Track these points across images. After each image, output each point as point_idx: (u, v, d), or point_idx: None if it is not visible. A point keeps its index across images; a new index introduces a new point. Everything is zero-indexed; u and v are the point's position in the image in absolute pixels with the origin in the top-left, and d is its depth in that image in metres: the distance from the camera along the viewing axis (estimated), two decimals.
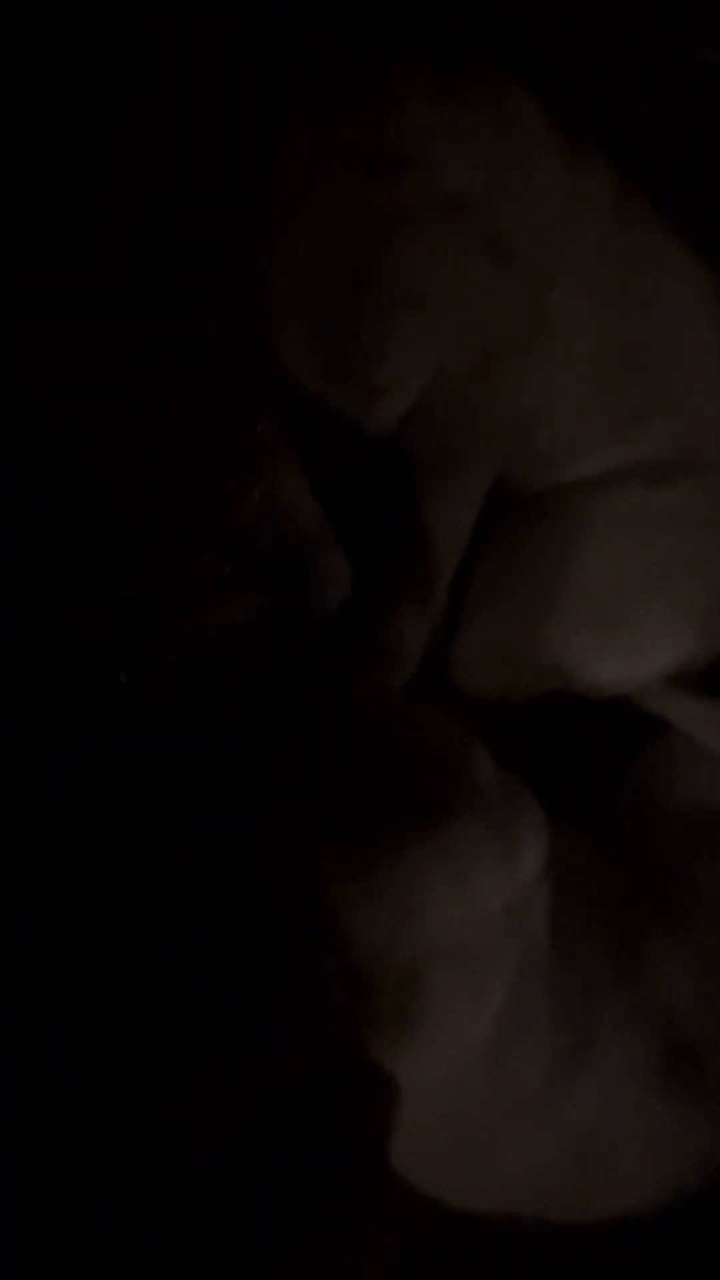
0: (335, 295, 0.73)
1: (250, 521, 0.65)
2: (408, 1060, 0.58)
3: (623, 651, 0.87)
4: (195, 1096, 0.51)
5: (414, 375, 0.76)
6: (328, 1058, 0.54)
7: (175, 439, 0.61)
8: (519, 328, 0.75)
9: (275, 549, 0.68)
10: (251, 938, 0.56)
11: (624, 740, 0.91)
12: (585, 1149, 0.67)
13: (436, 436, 0.84)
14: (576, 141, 0.74)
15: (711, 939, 0.74)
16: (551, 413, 0.82)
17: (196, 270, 0.64)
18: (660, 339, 0.79)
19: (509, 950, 0.65)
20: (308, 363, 0.75)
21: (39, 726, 0.54)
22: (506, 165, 0.72)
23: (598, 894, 0.75)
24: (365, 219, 0.69)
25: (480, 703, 0.89)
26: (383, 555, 0.86)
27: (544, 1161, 0.67)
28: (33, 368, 0.58)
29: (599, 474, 0.86)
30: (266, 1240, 0.51)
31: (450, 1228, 0.69)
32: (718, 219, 0.79)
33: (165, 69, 0.61)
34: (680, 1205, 0.71)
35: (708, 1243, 0.74)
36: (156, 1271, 0.50)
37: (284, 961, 0.56)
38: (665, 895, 0.77)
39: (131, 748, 0.56)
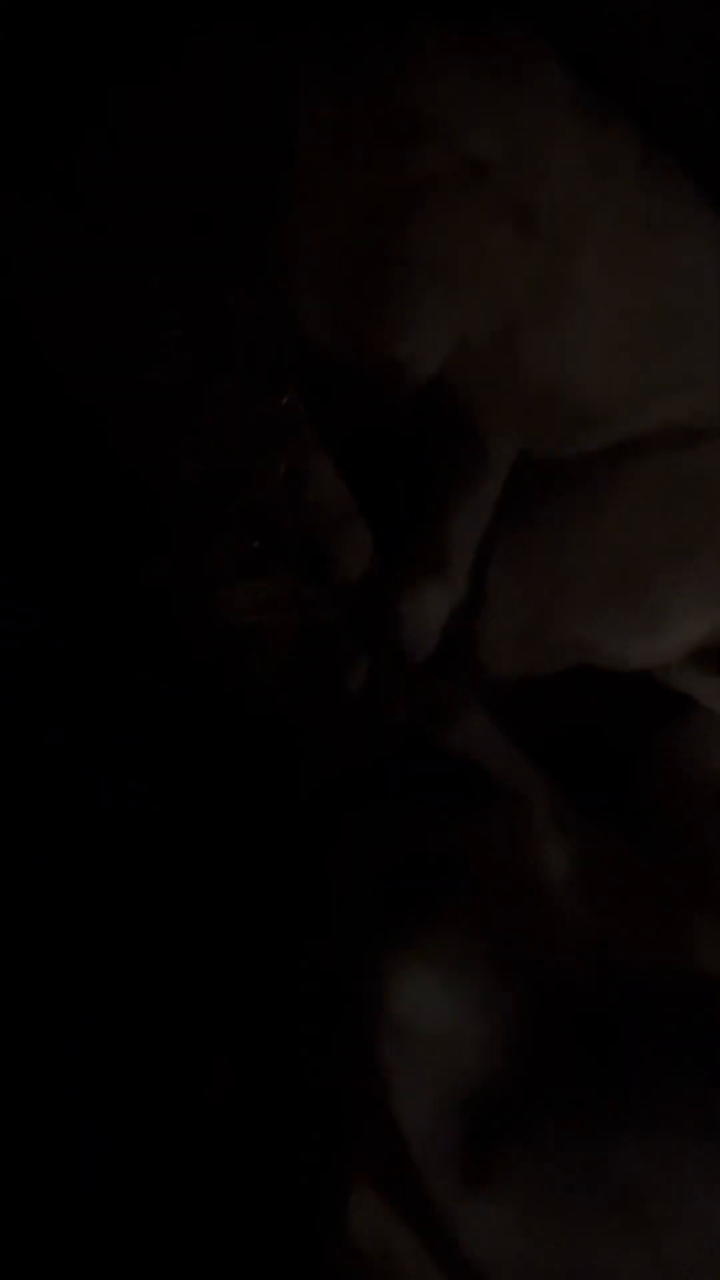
0: (356, 265, 0.72)
1: (275, 498, 0.65)
2: None
3: (648, 625, 0.87)
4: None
5: (436, 346, 0.76)
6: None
7: (199, 415, 0.61)
8: (542, 296, 0.74)
9: (301, 526, 0.68)
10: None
11: (645, 721, 0.91)
12: None
13: (458, 409, 0.83)
14: (600, 104, 0.73)
15: None
16: (574, 382, 0.81)
17: (216, 243, 0.64)
18: (682, 306, 0.78)
19: None
20: (329, 335, 0.75)
21: (65, 707, 0.54)
22: (530, 131, 0.70)
23: (628, 878, 0.74)
24: (387, 186, 0.69)
25: (505, 680, 0.89)
26: (405, 531, 0.86)
27: None
28: (55, 345, 0.58)
29: (622, 443, 0.85)
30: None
31: None
32: None
33: (186, 38, 0.60)
34: None
35: None
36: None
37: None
38: (699, 873, 0.76)
39: (161, 727, 0.56)
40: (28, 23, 0.55)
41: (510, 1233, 0.54)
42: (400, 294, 0.73)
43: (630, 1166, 0.55)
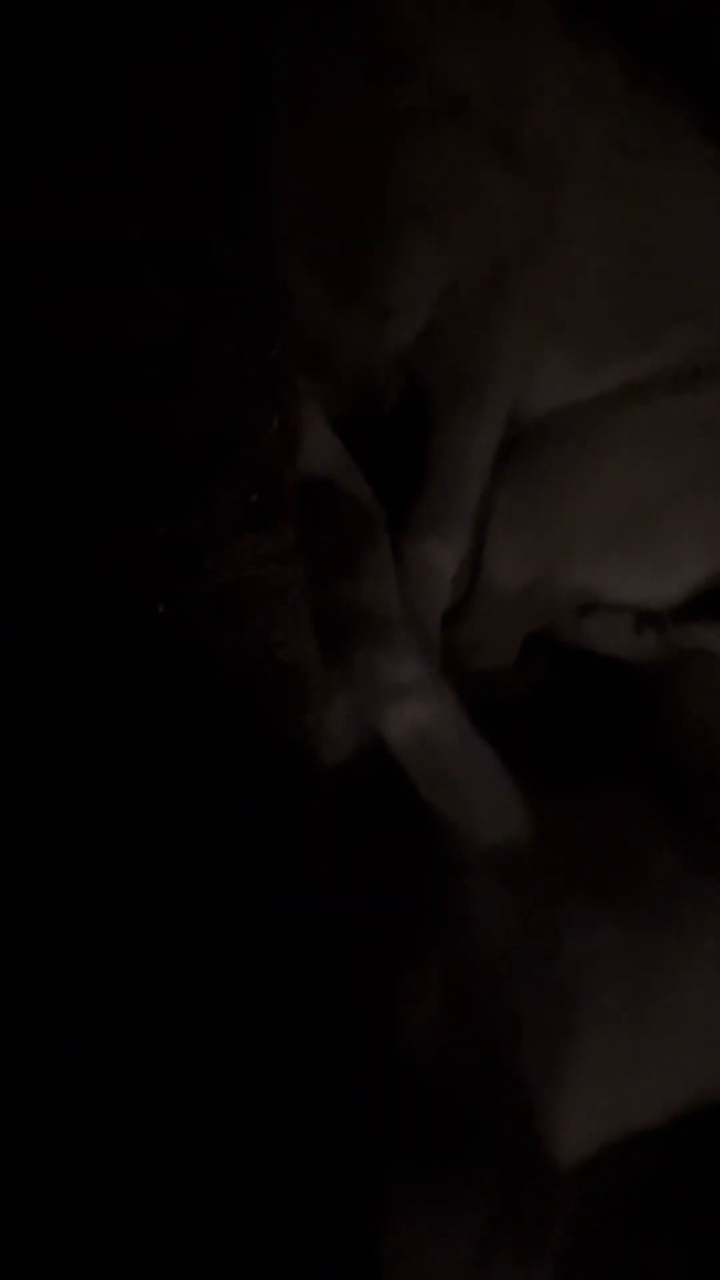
0: (340, 211, 0.70)
1: (272, 452, 0.64)
2: None
3: (652, 569, 0.86)
4: None
5: (425, 292, 0.74)
6: None
7: (191, 369, 0.59)
8: (531, 232, 0.73)
9: (299, 480, 0.67)
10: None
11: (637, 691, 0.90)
12: None
13: (451, 359, 0.82)
14: (586, 28, 0.71)
15: None
16: (567, 325, 0.79)
17: (202, 194, 0.62)
18: (677, 238, 0.76)
19: None
20: (318, 287, 0.73)
21: (72, 673, 0.53)
22: (513, 60, 0.68)
23: (635, 842, 0.72)
24: (369, 124, 0.67)
25: (513, 631, 0.88)
26: (404, 486, 0.85)
27: None
28: (42, 303, 0.56)
29: (619, 387, 0.84)
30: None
31: None
32: None
33: None
34: None
35: None
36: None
37: None
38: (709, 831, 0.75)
39: (169, 678, 0.55)
40: None
41: None
42: (386, 240, 0.71)
43: None
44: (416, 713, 0.72)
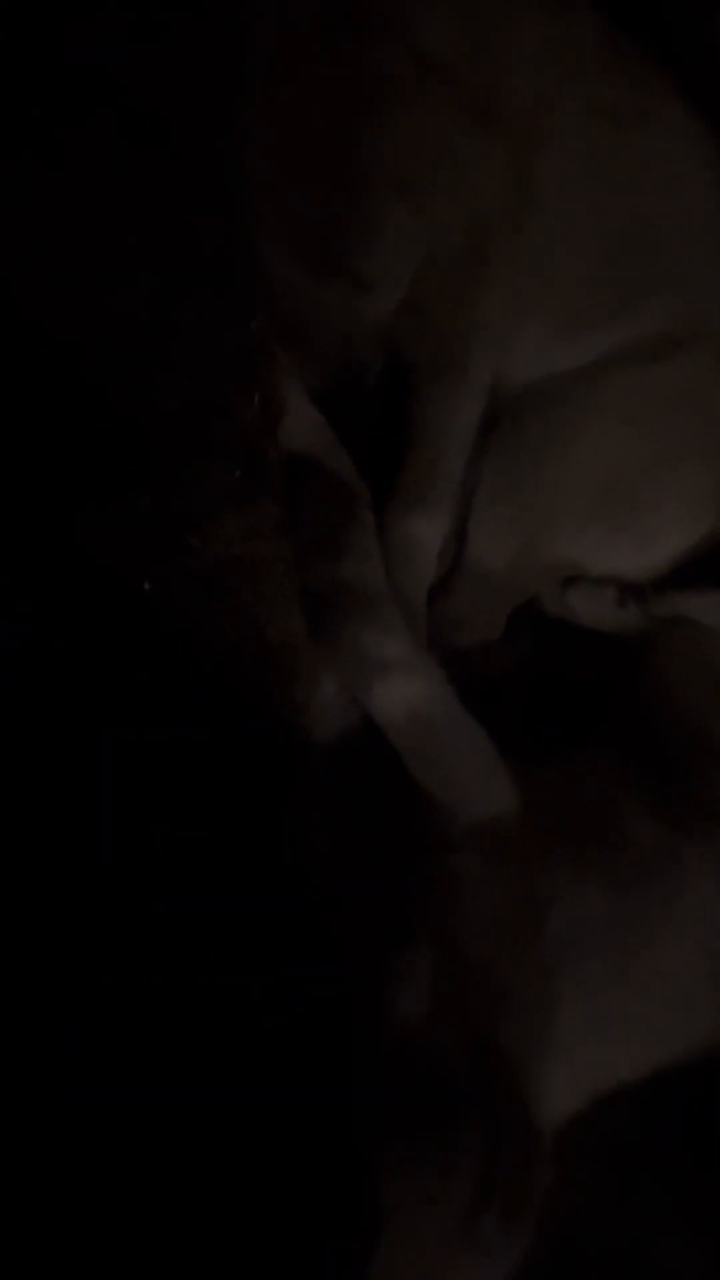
0: (317, 181, 0.69)
1: (254, 427, 0.63)
2: None
3: (635, 539, 0.86)
4: None
5: (404, 262, 0.73)
6: None
7: (169, 342, 0.58)
8: (509, 199, 0.72)
9: (282, 455, 0.66)
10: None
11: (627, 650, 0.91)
12: None
13: (430, 331, 0.81)
14: None
15: None
16: (547, 295, 0.79)
17: (176, 163, 0.60)
18: (655, 205, 0.76)
19: None
20: (295, 259, 0.72)
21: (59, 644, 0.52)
22: (489, 25, 0.67)
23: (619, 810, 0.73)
24: (344, 91, 0.65)
25: (498, 606, 0.88)
26: (386, 461, 0.84)
27: None
28: (17, 274, 0.55)
29: (599, 358, 0.83)
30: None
31: None
32: (712, 72, 0.74)
33: None
34: None
35: None
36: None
37: None
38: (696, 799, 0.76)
39: (157, 655, 0.54)
40: None
41: None
42: (363, 209, 0.70)
43: None
44: (404, 688, 0.72)
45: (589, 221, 0.75)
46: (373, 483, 0.78)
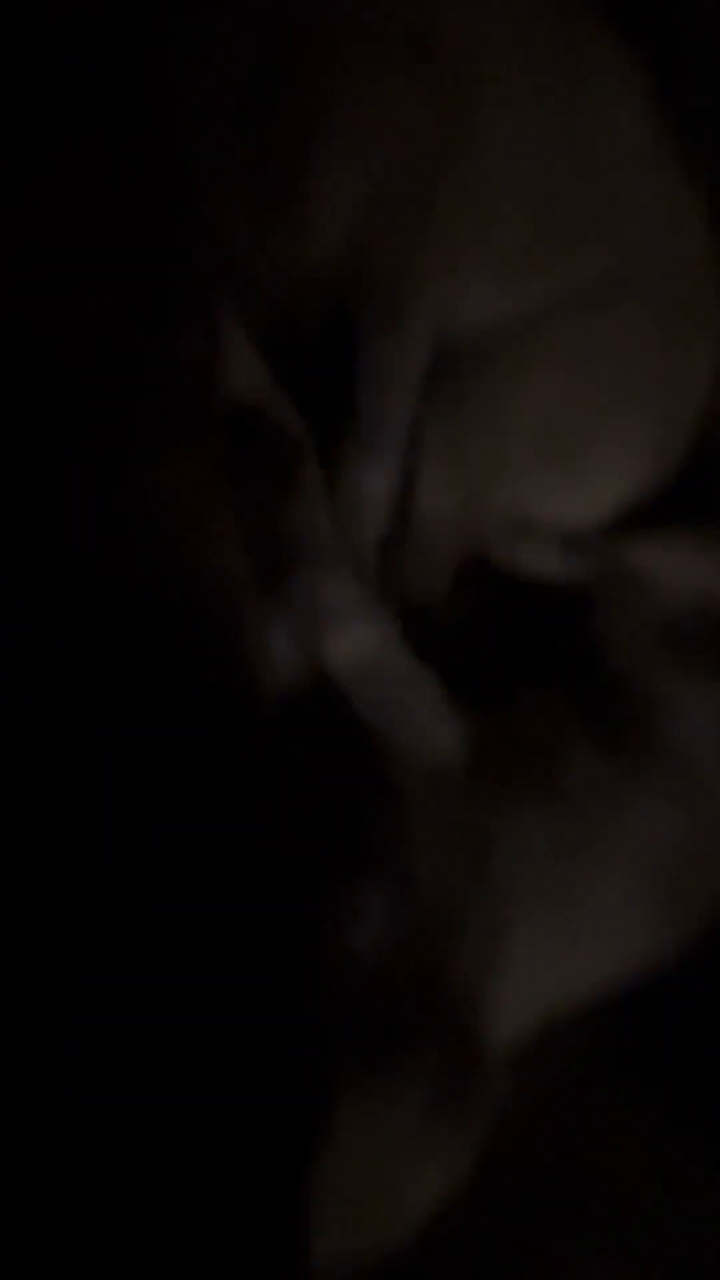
0: (254, 124, 0.68)
1: (192, 372, 0.62)
2: None
3: (577, 487, 0.87)
4: None
5: (343, 205, 0.72)
6: None
7: (105, 286, 0.58)
8: (449, 139, 0.71)
9: (222, 402, 0.66)
10: None
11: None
12: None
13: (373, 279, 0.80)
14: None
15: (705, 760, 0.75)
16: (488, 240, 0.79)
17: (103, 98, 0.59)
18: (596, 145, 0.76)
19: None
20: (234, 203, 0.71)
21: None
22: None
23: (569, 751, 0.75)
24: (278, 30, 0.64)
25: (445, 558, 0.89)
26: (331, 412, 0.84)
27: None
28: None
29: (537, 308, 0.84)
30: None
31: None
32: (654, 17, 0.74)
33: None
34: None
35: None
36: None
37: None
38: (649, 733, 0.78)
39: (98, 609, 0.54)
40: None
41: None
42: (301, 152, 0.69)
43: None
44: (357, 635, 0.73)
45: (527, 160, 0.75)
46: (317, 433, 0.78)
